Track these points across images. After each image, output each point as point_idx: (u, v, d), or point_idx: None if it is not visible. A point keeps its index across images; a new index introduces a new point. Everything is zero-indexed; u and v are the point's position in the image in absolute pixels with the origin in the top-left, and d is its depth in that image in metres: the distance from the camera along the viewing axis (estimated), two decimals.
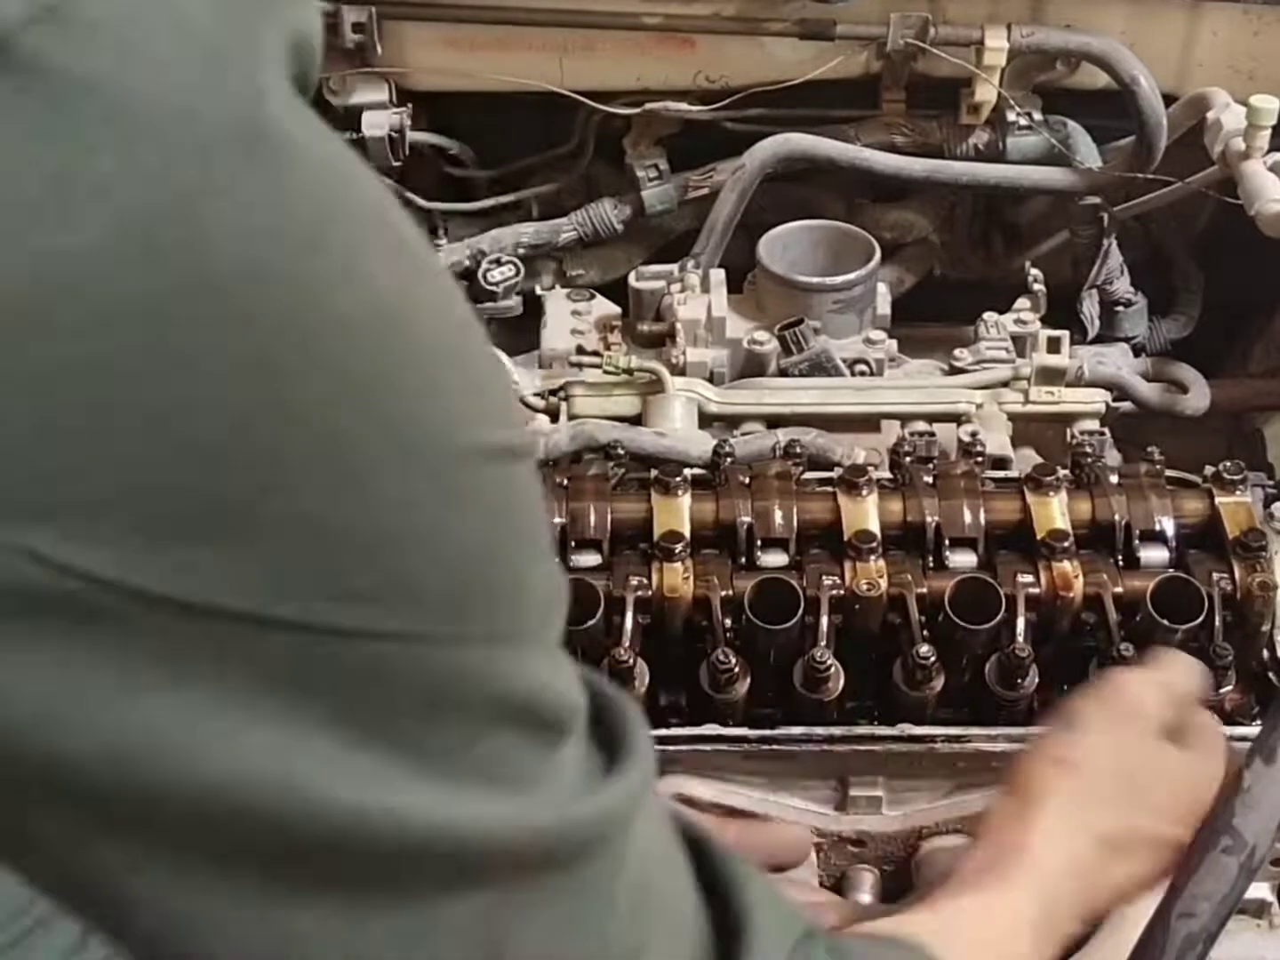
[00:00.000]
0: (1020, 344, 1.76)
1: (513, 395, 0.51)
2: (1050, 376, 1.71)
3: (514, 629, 0.60)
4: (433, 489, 0.53)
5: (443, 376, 0.54)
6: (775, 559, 1.39)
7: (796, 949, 0.72)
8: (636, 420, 1.67)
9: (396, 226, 0.54)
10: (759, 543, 1.39)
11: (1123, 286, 2.01)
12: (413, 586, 0.54)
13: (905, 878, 1.39)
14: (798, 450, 1.51)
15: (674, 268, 1.84)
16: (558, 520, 1.39)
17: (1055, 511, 1.40)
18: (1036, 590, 1.35)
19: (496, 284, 1.90)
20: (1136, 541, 1.39)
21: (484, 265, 1.91)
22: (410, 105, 1.92)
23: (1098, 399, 1.72)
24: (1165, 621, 1.31)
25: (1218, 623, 1.32)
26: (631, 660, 1.31)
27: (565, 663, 0.65)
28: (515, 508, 0.59)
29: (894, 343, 1.78)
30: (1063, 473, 1.43)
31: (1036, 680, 1.33)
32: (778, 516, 1.39)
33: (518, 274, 1.91)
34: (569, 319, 1.85)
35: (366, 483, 0.50)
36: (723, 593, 1.34)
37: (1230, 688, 1.34)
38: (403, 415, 0.52)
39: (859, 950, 0.79)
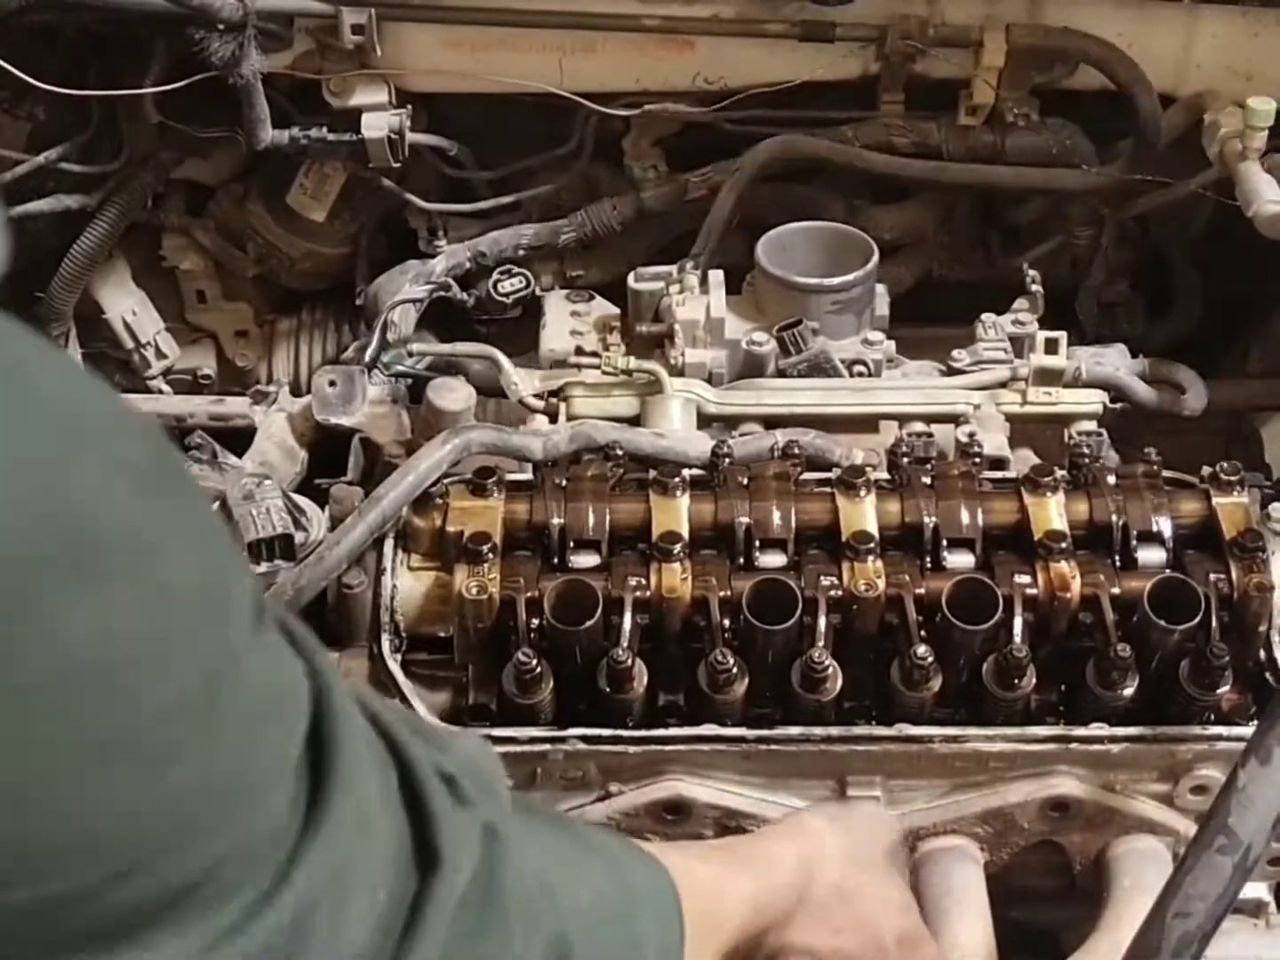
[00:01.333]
0: (1018, 345, 1.77)
1: None
2: (1048, 377, 1.71)
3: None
4: None
5: None
6: (773, 559, 1.39)
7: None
8: (635, 421, 1.67)
9: None
10: (757, 543, 1.39)
11: (1120, 287, 2.01)
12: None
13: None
14: (796, 451, 1.52)
15: (673, 269, 1.84)
16: (556, 521, 1.39)
17: (1053, 512, 1.40)
18: (1034, 591, 1.35)
19: (507, 295, 1.91)
20: (1134, 542, 1.39)
21: (495, 276, 1.92)
22: (410, 107, 1.92)
23: (1095, 400, 1.72)
24: (1162, 622, 1.31)
25: (1215, 623, 1.33)
26: (630, 661, 1.31)
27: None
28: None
29: (892, 344, 1.78)
30: (1060, 473, 1.44)
31: (1034, 680, 1.33)
32: (776, 517, 1.40)
33: (528, 286, 1.92)
34: (568, 320, 1.86)
35: None
36: (721, 593, 1.35)
37: (1227, 688, 1.34)
38: None
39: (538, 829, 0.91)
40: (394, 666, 1.38)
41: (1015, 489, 1.43)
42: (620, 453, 1.51)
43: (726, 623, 1.35)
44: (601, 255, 2.07)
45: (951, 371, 1.76)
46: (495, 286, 1.91)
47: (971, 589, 1.33)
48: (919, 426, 1.65)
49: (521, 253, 2.00)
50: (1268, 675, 1.38)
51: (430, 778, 0.83)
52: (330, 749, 0.74)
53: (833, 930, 1.22)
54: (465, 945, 0.82)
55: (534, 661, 1.31)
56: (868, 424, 1.68)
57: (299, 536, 1.44)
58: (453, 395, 1.69)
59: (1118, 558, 1.39)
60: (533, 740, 1.34)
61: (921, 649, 1.31)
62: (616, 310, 1.87)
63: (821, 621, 1.33)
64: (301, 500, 1.50)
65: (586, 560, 1.39)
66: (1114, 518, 1.40)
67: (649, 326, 1.81)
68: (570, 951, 0.91)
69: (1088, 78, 1.90)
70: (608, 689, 1.32)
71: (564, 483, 1.43)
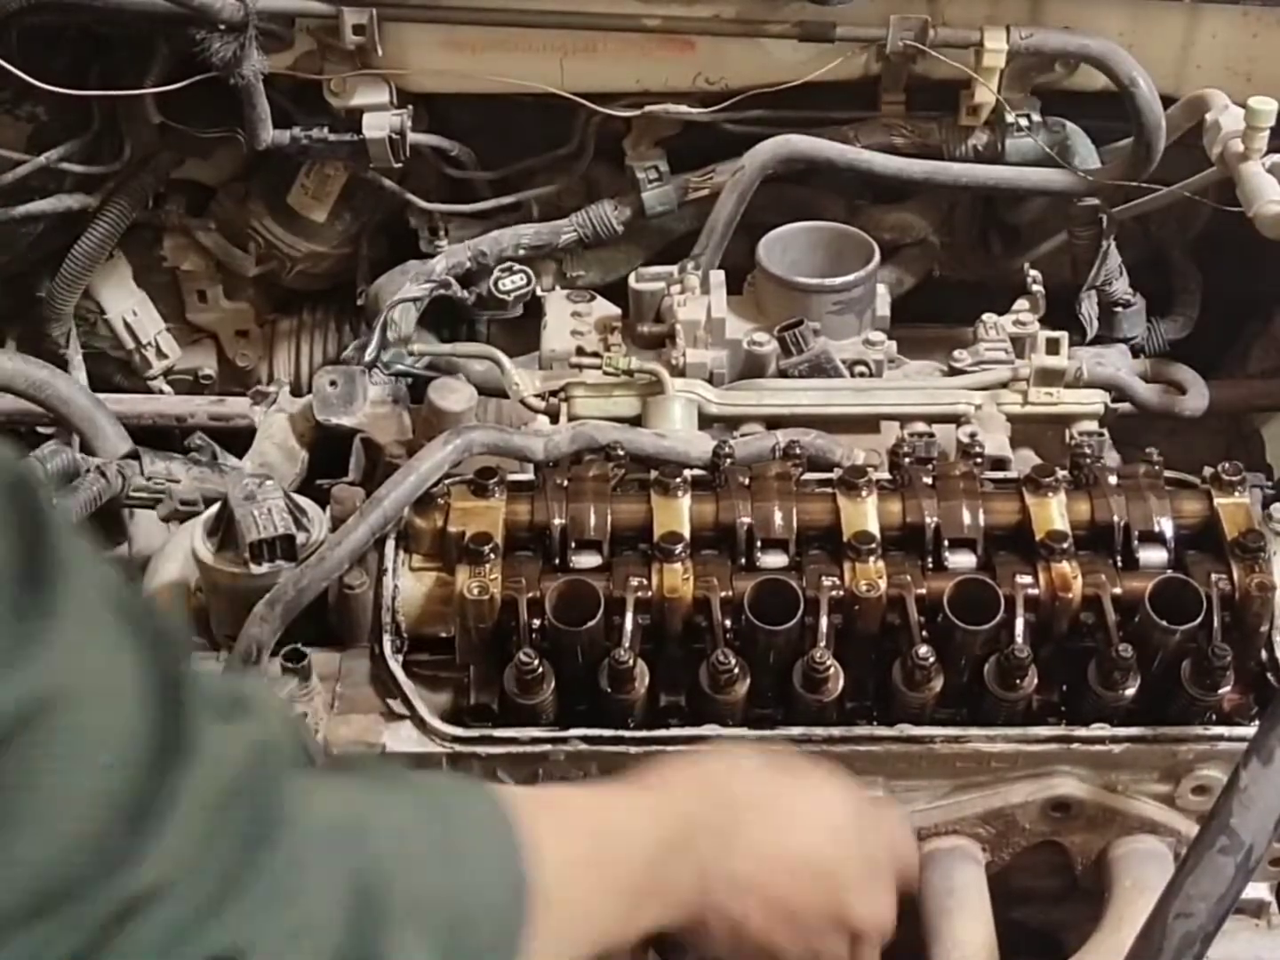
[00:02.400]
0: (1019, 345, 1.77)
1: None
2: (1049, 377, 1.71)
3: None
4: None
5: None
6: (775, 560, 1.39)
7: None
8: (636, 421, 1.67)
9: None
10: (759, 544, 1.39)
11: (1121, 287, 2.01)
12: None
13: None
14: (797, 451, 1.52)
15: (674, 269, 1.84)
16: (558, 521, 1.39)
17: (1054, 512, 1.40)
18: (1035, 591, 1.35)
19: (508, 293, 1.91)
20: (1135, 542, 1.39)
21: (496, 274, 1.92)
22: (411, 107, 1.92)
23: (1096, 400, 1.72)
24: (1164, 622, 1.31)
25: (1216, 623, 1.33)
26: (631, 661, 1.31)
27: None
28: None
29: (893, 344, 1.78)
30: (1062, 474, 1.44)
31: (1035, 681, 1.33)
32: (777, 517, 1.40)
33: (529, 283, 1.92)
34: (569, 320, 1.86)
35: None
36: (722, 593, 1.35)
37: (1229, 688, 1.34)
38: None
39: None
40: (395, 667, 1.38)
41: (1017, 489, 1.43)
42: (621, 453, 1.51)
43: (728, 623, 1.35)
44: (602, 255, 2.07)
45: (953, 372, 1.76)
46: (496, 284, 1.91)
47: (973, 589, 1.33)
48: (920, 427, 1.66)
49: (522, 252, 2.00)
50: (1269, 675, 1.38)
51: (190, 673, 0.78)
52: (50, 570, 0.68)
53: (807, 828, 1.15)
54: (231, 853, 0.76)
55: (535, 662, 1.31)
56: (869, 424, 1.68)
57: (300, 537, 1.44)
58: (454, 395, 1.69)
59: (1119, 558, 1.39)
60: (534, 741, 1.34)
61: (923, 649, 1.31)
62: (617, 310, 1.87)
63: (823, 622, 1.33)
64: (303, 501, 1.50)
65: (588, 560, 1.39)
66: (1115, 518, 1.40)
67: (650, 327, 1.82)
68: (382, 888, 0.84)
69: (1088, 78, 1.90)
70: (609, 689, 1.33)
71: (565, 483, 1.43)
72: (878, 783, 1.37)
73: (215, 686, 0.81)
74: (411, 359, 1.86)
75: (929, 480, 1.44)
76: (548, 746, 1.34)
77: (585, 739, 1.34)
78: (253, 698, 0.84)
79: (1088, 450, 1.51)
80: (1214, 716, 1.36)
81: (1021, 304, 1.82)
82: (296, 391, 1.95)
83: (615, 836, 1.08)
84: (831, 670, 1.32)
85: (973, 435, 1.60)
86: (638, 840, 1.08)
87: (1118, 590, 1.35)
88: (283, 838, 0.78)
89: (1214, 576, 1.35)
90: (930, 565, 1.39)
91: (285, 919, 0.78)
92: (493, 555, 1.36)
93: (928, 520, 1.39)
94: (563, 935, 0.99)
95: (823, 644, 1.32)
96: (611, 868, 1.06)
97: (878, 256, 1.79)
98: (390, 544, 1.43)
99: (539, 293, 1.94)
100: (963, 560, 1.39)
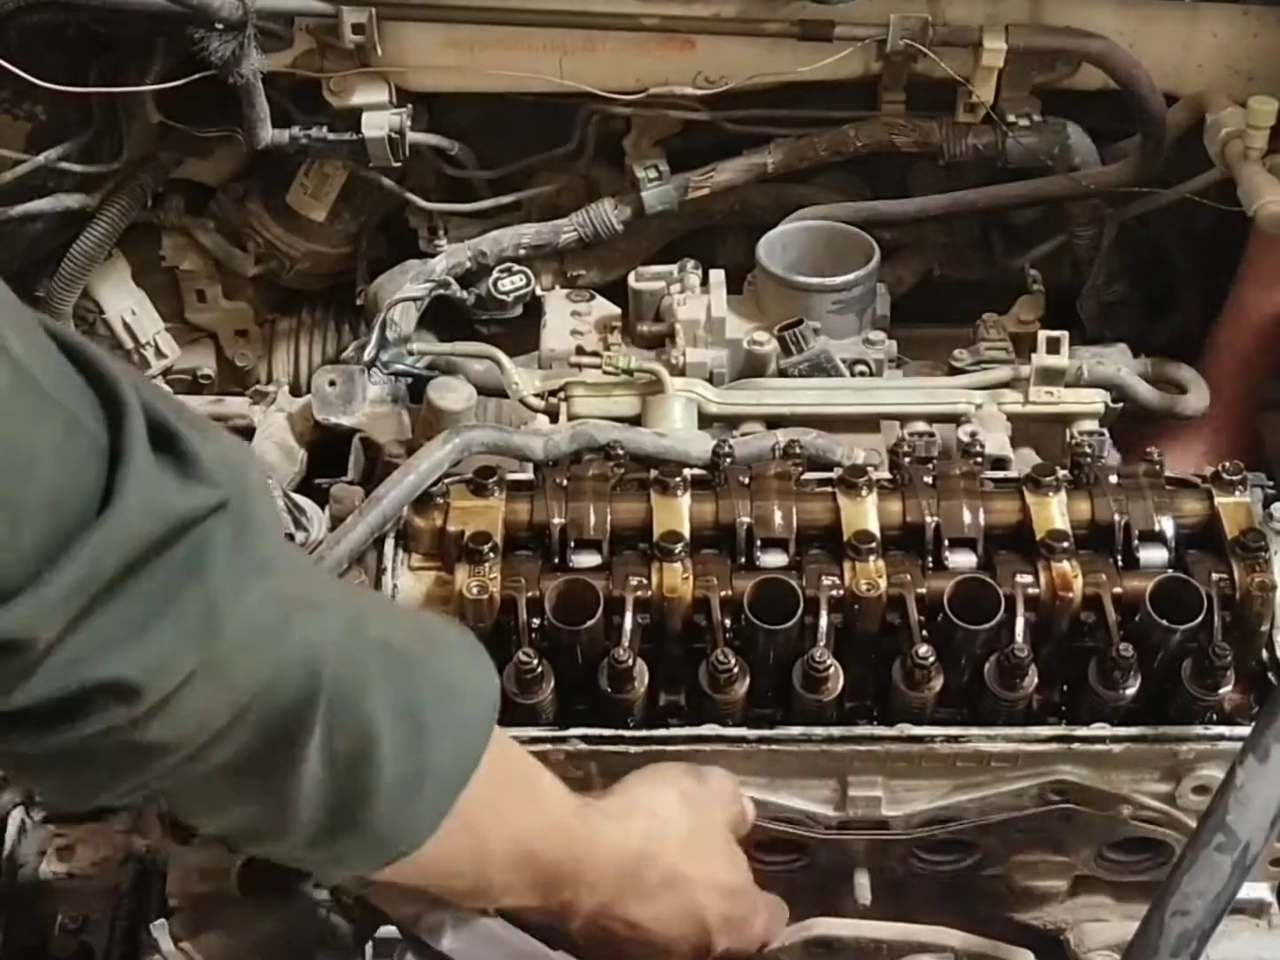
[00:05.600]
0: (1020, 344, 1.77)
1: None
2: (1050, 377, 1.71)
3: None
4: None
5: None
6: (775, 559, 1.39)
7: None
8: (636, 421, 1.67)
9: None
10: (758, 543, 1.39)
11: (1122, 287, 2.01)
12: None
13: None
14: (797, 451, 1.51)
15: (674, 268, 1.84)
16: (557, 520, 1.39)
17: (1054, 512, 1.40)
18: (1036, 591, 1.35)
19: (507, 293, 1.91)
20: (1136, 542, 1.39)
21: (495, 274, 1.92)
22: (410, 106, 1.92)
23: (1097, 399, 1.72)
24: (1164, 622, 1.31)
25: (1217, 623, 1.32)
26: (631, 660, 1.31)
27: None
28: None
29: (894, 343, 1.78)
30: (1062, 473, 1.44)
31: (1035, 680, 1.33)
32: (777, 517, 1.39)
33: (528, 284, 1.92)
34: (569, 320, 1.86)
35: None
36: (722, 593, 1.35)
37: (1229, 688, 1.34)
38: None
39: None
40: None
41: (1017, 489, 1.43)
42: (621, 452, 1.51)
43: (728, 622, 1.34)
44: (602, 255, 2.07)
45: (953, 371, 1.76)
46: (495, 284, 1.91)
47: (973, 589, 1.33)
48: (920, 426, 1.65)
49: (522, 252, 2.00)
50: (1270, 675, 1.37)
51: (137, 417, 0.82)
52: None
53: (656, 916, 1.24)
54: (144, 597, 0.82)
55: (535, 661, 1.31)
56: (869, 424, 1.68)
57: (299, 536, 1.44)
58: (453, 395, 1.69)
59: (1120, 557, 1.39)
60: (534, 740, 1.33)
61: (923, 649, 1.31)
62: (617, 310, 1.87)
63: (823, 621, 1.33)
64: (302, 500, 1.49)
65: (587, 560, 1.39)
66: (1116, 517, 1.39)
67: (650, 326, 1.81)
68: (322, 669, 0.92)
69: (1089, 78, 1.90)
70: (609, 689, 1.32)
71: (565, 482, 1.43)
72: (877, 782, 1.37)
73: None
74: (411, 358, 1.85)
75: (929, 480, 1.43)
76: (547, 746, 1.33)
77: (585, 738, 1.34)
78: (211, 457, 0.87)
79: (1088, 449, 1.51)
80: (1215, 716, 1.36)
81: (1022, 303, 1.82)
82: (296, 391, 1.96)
83: (539, 801, 1.17)
84: (831, 670, 1.32)
85: (973, 434, 1.60)
86: (551, 825, 1.17)
87: (1118, 590, 1.35)
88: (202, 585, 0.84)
89: (1215, 576, 1.35)
90: (930, 565, 1.38)
91: (186, 658, 0.84)
92: (492, 554, 1.36)
93: (928, 520, 1.39)
94: (476, 821, 1.06)
95: (822, 643, 1.32)
96: (527, 819, 1.15)
97: (878, 256, 1.79)
98: (389, 543, 1.43)
99: (539, 292, 1.94)
100: (963, 560, 1.38)
